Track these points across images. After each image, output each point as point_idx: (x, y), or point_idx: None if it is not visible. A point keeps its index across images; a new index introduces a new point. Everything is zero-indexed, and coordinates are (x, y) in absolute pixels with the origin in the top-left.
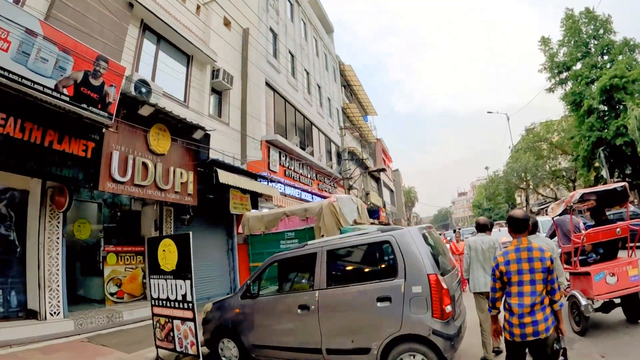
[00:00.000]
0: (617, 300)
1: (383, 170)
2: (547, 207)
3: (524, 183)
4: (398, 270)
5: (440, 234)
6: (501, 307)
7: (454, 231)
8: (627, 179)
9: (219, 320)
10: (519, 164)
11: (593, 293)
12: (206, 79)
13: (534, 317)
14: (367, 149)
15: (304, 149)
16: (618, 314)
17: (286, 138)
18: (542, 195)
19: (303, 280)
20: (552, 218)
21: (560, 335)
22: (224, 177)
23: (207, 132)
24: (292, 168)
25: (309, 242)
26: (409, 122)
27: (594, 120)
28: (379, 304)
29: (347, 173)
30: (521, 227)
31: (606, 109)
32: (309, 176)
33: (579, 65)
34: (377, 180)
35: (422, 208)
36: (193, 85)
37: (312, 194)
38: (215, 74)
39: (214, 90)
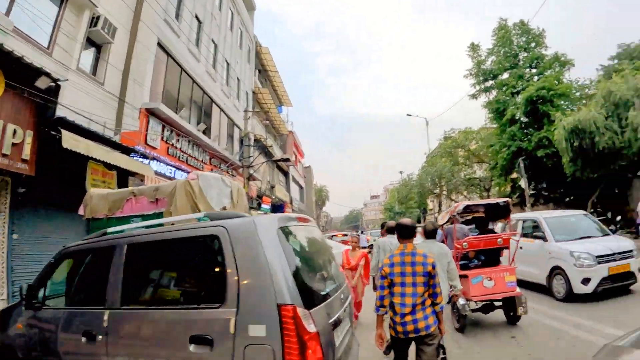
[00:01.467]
0: (498, 303)
1: (287, 160)
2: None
3: (438, 188)
4: (227, 292)
5: (356, 235)
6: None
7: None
8: (543, 192)
9: (1, 341)
10: (434, 169)
11: (470, 294)
12: (82, 26)
13: (414, 315)
14: (278, 141)
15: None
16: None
17: (176, 112)
18: (455, 202)
19: (94, 291)
20: (441, 225)
21: (439, 334)
22: (71, 141)
23: (56, 81)
24: (179, 147)
25: (110, 230)
26: (328, 124)
27: (516, 130)
28: (192, 348)
29: (248, 161)
30: (407, 233)
31: (529, 120)
32: (200, 159)
33: (505, 75)
34: (285, 174)
35: (334, 208)
36: (63, 31)
37: None
38: (94, 21)
39: (91, 42)
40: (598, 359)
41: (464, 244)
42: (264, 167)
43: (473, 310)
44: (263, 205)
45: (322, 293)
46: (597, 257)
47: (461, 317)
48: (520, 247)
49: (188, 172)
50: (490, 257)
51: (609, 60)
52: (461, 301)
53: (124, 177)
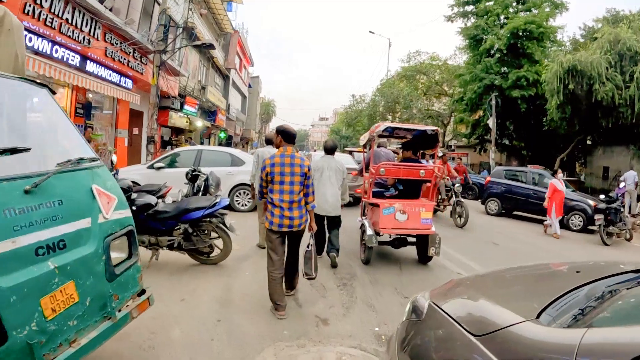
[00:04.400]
0: (412, 240)
1: (210, 46)
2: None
3: (390, 115)
4: None
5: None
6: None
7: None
8: (508, 139)
9: None
10: (391, 91)
11: (379, 225)
12: None
13: (291, 212)
14: (220, 41)
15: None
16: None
17: None
18: None
19: None
20: (362, 146)
21: (310, 231)
22: None
23: None
24: (53, 10)
25: None
26: (282, 39)
27: (493, 62)
28: None
29: (161, 45)
30: (289, 139)
31: (508, 56)
32: (87, 30)
33: (490, 2)
34: (225, 78)
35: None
36: None
37: (91, 59)
38: None
39: None
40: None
41: (381, 169)
42: (193, 62)
43: (382, 243)
44: (187, 107)
45: None
46: None
47: (367, 249)
48: None
49: (60, 44)
50: (410, 189)
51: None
52: (368, 231)
53: None
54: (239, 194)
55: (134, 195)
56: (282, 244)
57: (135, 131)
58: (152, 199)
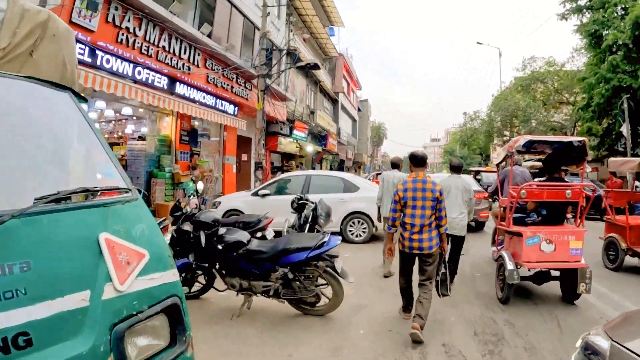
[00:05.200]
0: (556, 273)
1: (315, 67)
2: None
3: (509, 131)
4: None
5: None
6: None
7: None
8: None
9: None
10: (508, 103)
11: (522, 259)
12: None
13: (421, 235)
14: (326, 65)
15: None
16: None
17: None
18: None
19: None
20: (497, 165)
21: (442, 252)
22: None
23: None
24: (143, 35)
25: None
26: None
27: (619, 60)
28: None
29: (263, 69)
30: (419, 163)
31: (634, 50)
32: (186, 57)
33: None
34: (334, 102)
35: (392, 148)
36: None
37: (192, 86)
38: None
39: None
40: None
41: (522, 192)
42: (300, 86)
43: (523, 279)
44: (296, 132)
45: None
46: None
47: (507, 286)
48: None
49: (158, 71)
50: (553, 214)
51: None
52: (509, 266)
53: None
54: (353, 223)
55: (221, 231)
56: (410, 265)
57: (244, 157)
58: (244, 236)
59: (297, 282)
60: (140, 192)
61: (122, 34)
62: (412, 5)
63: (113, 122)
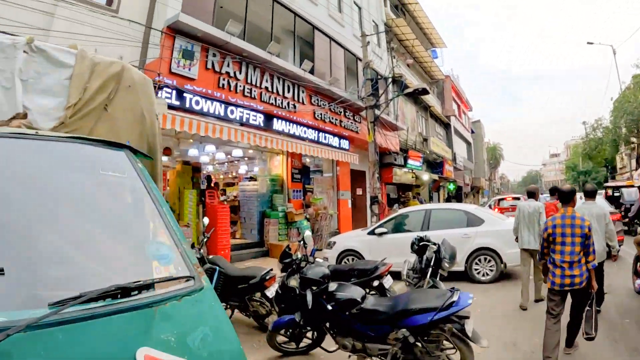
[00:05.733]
0: None
1: (424, 92)
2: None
3: (636, 134)
4: None
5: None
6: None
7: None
8: None
9: None
10: (633, 105)
11: None
12: None
13: (572, 271)
14: (433, 89)
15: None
16: None
17: (213, 23)
18: None
19: None
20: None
21: (591, 289)
22: None
23: None
24: (243, 77)
25: None
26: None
27: None
28: None
29: (371, 100)
30: (567, 199)
31: None
32: (290, 97)
33: None
34: (446, 126)
35: (509, 168)
36: None
37: (300, 124)
38: None
39: None
40: None
41: None
42: (410, 114)
43: None
44: (411, 161)
45: None
46: None
47: None
48: None
49: (262, 112)
50: None
51: None
52: None
53: None
54: (479, 260)
55: (332, 287)
56: (562, 303)
57: (359, 191)
58: (357, 293)
59: (419, 346)
60: (212, 274)
61: (223, 79)
62: (508, 16)
63: (226, 163)
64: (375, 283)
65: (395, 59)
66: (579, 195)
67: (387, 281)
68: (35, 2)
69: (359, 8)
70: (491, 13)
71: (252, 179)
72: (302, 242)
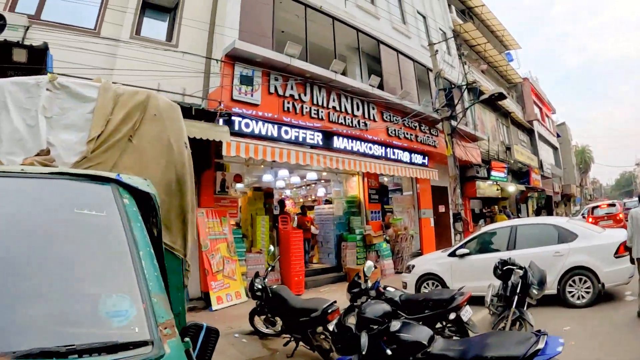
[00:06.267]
0: None
1: (501, 97)
2: None
3: None
4: None
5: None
6: None
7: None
8: None
9: None
10: None
11: None
12: None
13: None
14: (512, 93)
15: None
16: None
17: (273, 47)
18: None
19: None
20: None
21: None
22: None
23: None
24: (316, 101)
25: None
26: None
27: None
28: None
29: (445, 110)
30: None
31: None
32: (360, 114)
33: None
34: (529, 132)
35: (599, 171)
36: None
37: (373, 142)
38: None
39: (152, 6)
40: None
41: None
42: (490, 123)
43: None
44: (494, 173)
45: None
46: None
47: None
48: None
49: (332, 133)
50: None
51: None
52: None
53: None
54: (573, 281)
55: (395, 326)
56: None
57: (441, 209)
58: (423, 334)
59: None
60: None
61: (288, 102)
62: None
63: (303, 187)
64: (452, 316)
65: (468, 65)
66: None
67: (466, 313)
68: (97, 45)
69: (424, 17)
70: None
71: (328, 202)
72: (364, 276)
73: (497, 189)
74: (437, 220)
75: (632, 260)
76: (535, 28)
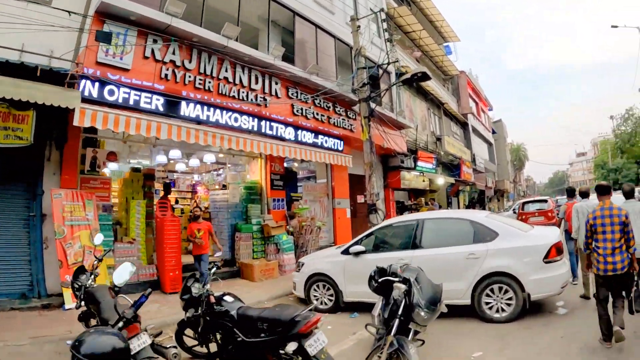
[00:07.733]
0: None
1: (425, 77)
2: None
3: None
4: None
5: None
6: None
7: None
8: None
9: None
10: None
11: None
12: None
13: (614, 258)
14: (447, 86)
15: (292, 59)
16: None
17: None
18: None
19: None
20: None
21: (633, 270)
22: None
23: None
24: (204, 70)
25: None
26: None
27: None
28: None
29: (364, 90)
30: (604, 192)
31: None
32: (259, 89)
33: None
34: (463, 125)
35: (534, 170)
36: None
37: (275, 121)
38: None
39: None
40: None
41: None
42: (421, 112)
43: None
44: (421, 164)
45: None
46: None
47: None
48: None
49: (220, 107)
50: None
51: None
52: None
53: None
54: (492, 290)
55: None
56: (607, 287)
57: (360, 199)
58: None
59: None
60: None
61: (167, 69)
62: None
63: (212, 171)
64: (292, 347)
65: (393, 44)
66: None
67: (314, 343)
68: None
69: None
70: (510, 13)
71: (224, 187)
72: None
73: (424, 181)
74: (355, 211)
75: (576, 251)
76: (485, 30)
